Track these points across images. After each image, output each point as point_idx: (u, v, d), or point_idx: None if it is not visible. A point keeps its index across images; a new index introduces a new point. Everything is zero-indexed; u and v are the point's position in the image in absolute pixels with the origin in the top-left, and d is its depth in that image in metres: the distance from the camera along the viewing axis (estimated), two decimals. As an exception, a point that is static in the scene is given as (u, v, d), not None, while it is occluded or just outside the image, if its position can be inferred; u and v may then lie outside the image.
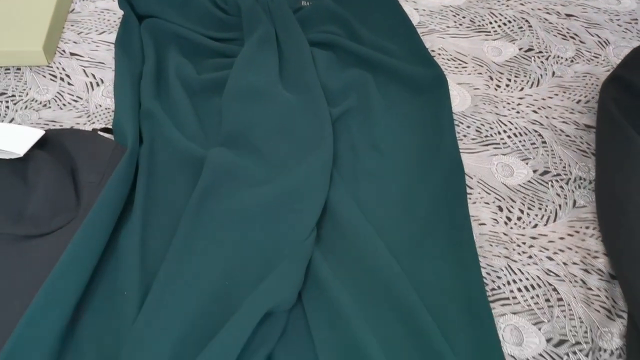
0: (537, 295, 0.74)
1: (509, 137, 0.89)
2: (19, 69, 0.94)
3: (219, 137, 0.86)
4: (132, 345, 0.65)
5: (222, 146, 0.84)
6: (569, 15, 1.04)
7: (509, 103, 0.93)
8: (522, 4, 1.05)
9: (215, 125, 0.88)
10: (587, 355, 0.69)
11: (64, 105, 0.90)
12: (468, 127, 0.90)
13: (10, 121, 0.87)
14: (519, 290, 0.74)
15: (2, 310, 0.69)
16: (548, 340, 0.70)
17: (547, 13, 1.04)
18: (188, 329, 0.67)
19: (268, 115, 0.87)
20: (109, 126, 0.88)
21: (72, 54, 0.96)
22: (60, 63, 0.95)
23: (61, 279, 0.68)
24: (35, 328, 0.65)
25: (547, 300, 0.73)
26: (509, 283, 0.75)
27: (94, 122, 0.89)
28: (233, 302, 0.70)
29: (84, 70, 0.94)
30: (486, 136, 0.89)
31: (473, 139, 0.89)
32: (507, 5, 1.04)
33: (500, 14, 1.04)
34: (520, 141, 0.89)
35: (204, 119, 0.90)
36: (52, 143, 0.82)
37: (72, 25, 1.00)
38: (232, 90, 0.89)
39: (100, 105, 0.91)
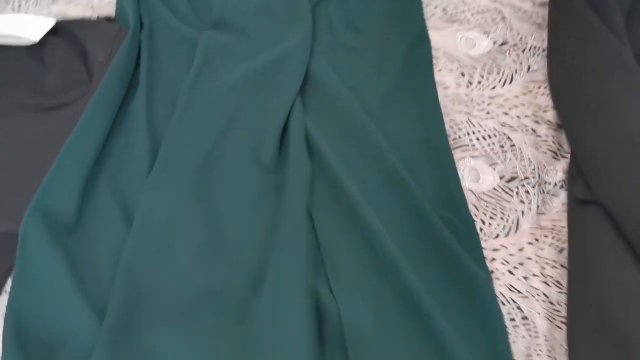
0: (493, 143, 0.83)
1: (472, 14, 0.97)
2: (26, -29, 1.01)
3: (210, 21, 0.94)
4: (148, 193, 0.75)
5: (212, 27, 0.92)
6: None
7: (473, -14, 1.01)
8: None
9: (205, 11, 0.96)
10: (533, 187, 0.79)
11: (71, 1, 0.98)
12: (435, 7, 0.98)
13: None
14: (477, 139, 0.83)
15: (30, 169, 0.78)
16: (501, 177, 0.80)
17: None
18: (192, 176, 0.77)
19: None
20: (112, 16, 0.96)
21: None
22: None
23: (81, 136, 0.77)
24: (61, 176, 0.74)
25: (502, 146, 0.83)
26: (468, 134, 0.84)
27: (98, 15, 0.96)
28: (227, 155, 0.80)
29: (86, -30, 1.01)
30: (451, 14, 0.97)
31: (439, 17, 0.97)
32: None
33: None
34: (482, 18, 0.96)
35: (196, 5, 0.97)
36: (62, 30, 0.89)
37: None
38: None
39: None
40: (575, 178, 0.77)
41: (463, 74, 0.90)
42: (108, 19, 0.93)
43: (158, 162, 0.77)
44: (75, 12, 0.96)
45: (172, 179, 0.76)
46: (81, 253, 0.71)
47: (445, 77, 0.90)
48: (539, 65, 0.91)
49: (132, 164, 0.79)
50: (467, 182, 0.79)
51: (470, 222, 0.74)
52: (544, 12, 0.96)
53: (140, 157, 0.79)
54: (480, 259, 0.72)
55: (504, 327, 0.67)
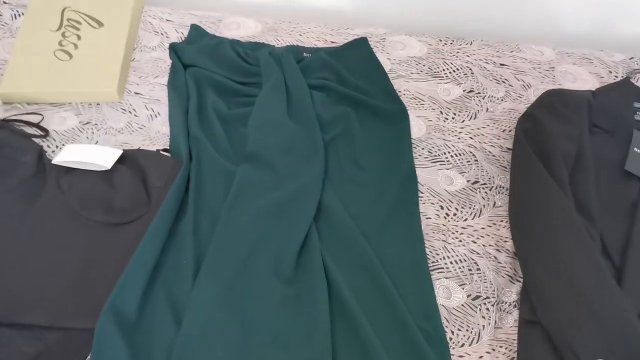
0: (463, 267, 1.04)
1: (451, 156, 1.19)
2: (98, 104, 1.24)
3: (244, 155, 1.16)
4: (193, 300, 0.95)
5: (246, 162, 1.15)
6: (502, 65, 1.34)
7: (453, 131, 1.23)
8: (467, 56, 1.35)
9: (241, 147, 1.18)
10: (493, 305, 0.99)
11: (133, 131, 1.20)
12: (422, 149, 1.20)
13: (96, 143, 1.17)
14: (451, 263, 1.04)
15: (104, 275, 0.98)
16: (468, 296, 1.00)
17: (486, 62, 1.34)
18: (227, 285, 0.97)
19: (279, 139, 1.18)
20: (167, 147, 1.18)
21: (135, 93, 1.26)
22: (128, 100, 1.25)
23: (145, 249, 0.97)
24: (130, 283, 0.95)
25: (470, 269, 1.03)
26: (444, 258, 1.05)
27: (155, 144, 1.18)
28: (256, 269, 1.00)
29: (145, 106, 1.24)
30: (435, 155, 1.19)
31: (425, 158, 1.19)
32: (457, 57, 1.34)
33: (451, 63, 1.34)
34: (460, 160, 1.19)
35: (234, 142, 1.20)
36: (128, 159, 1.11)
37: (134, 71, 1.30)
38: (254, 121, 1.19)
39: (159, 132, 1.21)
40: (525, 301, 0.97)
41: (442, 207, 1.12)
42: (164, 150, 1.16)
43: (201, 273, 0.98)
44: (136, 140, 1.18)
45: (211, 288, 0.96)
46: (142, 347, 0.91)
47: (427, 209, 1.11)
48: (502, 202, 1.12)
49: (180, 273, 1.00)
50: (440, 299, 0.99)
51: (442, 334, 0.94)
52: (509, 157, 1.19)
53: (186, 268, 0.99)
54: None
55: None
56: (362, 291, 0.98)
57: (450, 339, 0.95)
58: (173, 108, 1.22)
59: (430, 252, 1.05)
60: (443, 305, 0.99)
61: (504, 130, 1.23)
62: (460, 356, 0.93)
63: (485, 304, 0.99)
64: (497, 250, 1.06)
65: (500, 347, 0.94)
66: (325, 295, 0.96)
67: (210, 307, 0.94)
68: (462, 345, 0.95)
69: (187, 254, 1.01)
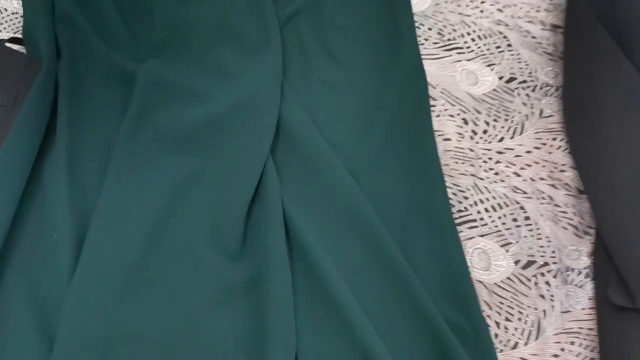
0: (505, 215, 0.66)
1: (473, 39, 0.77)
2: None
3: (150, 43, 0.70)
4: (72, 302, 0.54)
5: (154, 54, 0.68)
6: None
7: (472, 1, 0.80)
8: None
9: (145, 29, 0.71)
10: (555, 275, 0.63)
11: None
12: (429, 29, 0.77)
13: None
14: (487, 210, 0.66)
15: None
16: (516, 262, 0.63)
17: None
18: (130, 275, 0.56)
19: (206, 13, 0.71)
20: (19, 35, 0.70)
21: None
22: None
23: None
24: None
25: (515, 219, 0.65)
26: (476, 203, 0.66)
27: (-2, 34, 0.70)
28: (178, 242, 0.59)
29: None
30: (449, 39, 0.76)
31: (435, 43, 0.76)
32: None
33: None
34: (486, 45, 0.76)
35: (132, 21, 0.72)
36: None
37: None
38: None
39: (6, 10, 0.72)
40: (606, 270, 0.61)
41: (466, 121, 0.71)
42: (13, 40, 0.67)
43: (84, 258, 0.56)
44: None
45: (102, 282, 0.55)
46: None
47: (445, 126, 0.70)
48: (552, 109, 0.72)
49: (48, 255, 0.57)
50: (475, 271, 0.62)
51: (484, 330, 0.58)
52: (555, 39, 0.77)
53: (59, 246, 0.57)
54: None
55: None
56: (353, 264, 0.60)
57: (496, 335, 0.59)
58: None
59: (455, 195, 0.66)
60: (480, 281, 0.62)
61: (545, -4, 0.80)
62: (514, 364, 0.58)
63: (543, 274, 0.62)
64: (552, 185, 0.68)
65: (572, 343, 0.59)
66: (287, 280, 0.57)
67: (96, 326, 0.54)
68: (515, 345, 0.59)
69: (59, 222, 0.58)
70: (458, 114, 0.71)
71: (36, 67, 0.64)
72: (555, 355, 0.58)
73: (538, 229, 0.65)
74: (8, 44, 0.67)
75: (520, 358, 0.58)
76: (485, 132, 0.70)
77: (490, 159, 0.69)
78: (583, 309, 0.61)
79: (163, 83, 0.66)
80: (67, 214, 0.58)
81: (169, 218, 0.59)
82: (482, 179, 0.67)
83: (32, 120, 0.61)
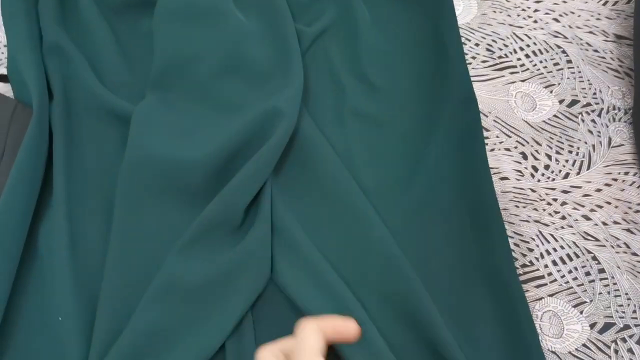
0: (576, 268, 0.56)
1: (526, 55, 0.66)
2: None
3: (149, 76, 0.59)
4: None
5: (152, 89, 0.58)
6: None
7: (522, 8, 0.69)
8: None
9: (146, 60, 0.61)
10: (638, 342, 0.53)
11: None
12: (476, 44, 0.66)
13: None
14: (555, 264, 0.56)
15: None
16: (592, 326, 0.54)
17: None
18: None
19: (215, 43, 0.60)
20: (2, 70, 0.59)
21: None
22: None
23: None
24: None
25: (588, 273, 0.56)
26: (541, 256, 0.56)
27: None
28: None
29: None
30: (499, 56, 0.66)
31: (483, 62, 0.65)
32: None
33: None
34: (541, 61, 0.66)
35: (131, 51, 0.61)
36: None
37: None
38: (167, 7, 0.61)
39: (-11, 39, 0.61)
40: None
41: (525, 156, 0.61)
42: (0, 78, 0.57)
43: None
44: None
45: None
46: None
47: (501, 162, 0.60)
48: (622, 137, 0.62)
49: (54, 343, 0.48)
50: (546, 339, 0.53)
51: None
52: (620, 52, 0.66)
53: (66, 333, 0.47)
54: None
55: None
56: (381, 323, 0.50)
57: None
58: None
59: (517, 246, 0.56)
60: (553, 352, 0.52)
61: (605, 2, 0.69)
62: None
63: (624, 339, 0.53)
64: (628, 230, 0.58)
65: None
66: None
67: None
68: None
69: (63, 300, 0.49)
70: (515, 147, 0.61)
71: (25, 113, 0.53)
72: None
73: (615, 283, 0.55)
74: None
75: None
76: (547, 167, 0.60)
77: (555, 200, 0.59)
78: (672, 380, 0.52)
79: (160, 123, 0.56)
80: (69, 289, 0.49)
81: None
82: (547, 224, 0.57)
83: (26, 176, 0.51)
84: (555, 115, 0.63)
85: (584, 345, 0.53)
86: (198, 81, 0.59)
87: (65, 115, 0.55)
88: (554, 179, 0.60)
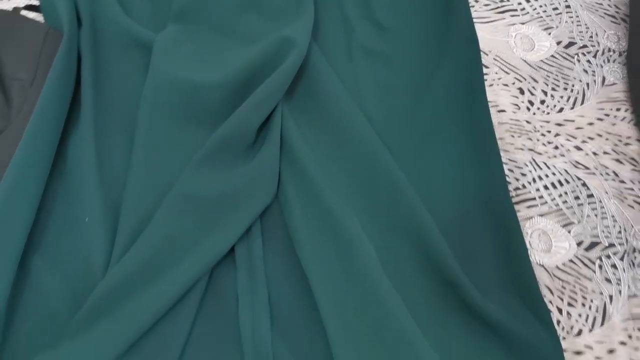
0: (566, 193, 0.60)
1: (527, 1, 0.70)
2: None
3: (170, 10, 0.64)
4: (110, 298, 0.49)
5: (176, 21, 0.63)
6: None
7: (525, -42, 0.72)
8: None
9: (167, 5, 0.65)
10: (622, 258, 0.57)
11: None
12: (480, -10, 0.70)
13: None
14: (546, 187, 0.60)
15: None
16: (579, 244, 0.58)
17: None
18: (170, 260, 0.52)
19: None
20: (34, 1, 0.64)
21: None
22: None
23: (6, 207, 0.50)
24: None
25: (577, 197, 0.60)
26: (534, 180, 0.60)
27: (14, 6, 0.64)
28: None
29: None
30: (504, 9, 0.69)
31: (486, 5, 0.69)
32: None
33: None
34: (542, 6, 0.69)
35: None
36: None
37: None
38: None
39: (25, -25, 0.66)
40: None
41: (522, 91, 0.64)
42: (29, 8, 0.62)
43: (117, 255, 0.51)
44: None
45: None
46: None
47: (499, 96, 0.64)
48: (615, 76, 0.66)
49: (80, 242, 0.53)
50: (535, 253, 0.57)
51: (546, 316, 0.52)
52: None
53: (91, 233, 0.52)
54: None
55: None
56: (387, 244, 0.54)
57: (558, 322, 0.54)
58: None
59: (512, 171, 0.60)
60: (541, 265, 0.56)
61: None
62: (578, 352, 0.53)
63: (608, 256, 0.57)
64: (617, 160, 0.61)
65: (640, 330, 0.54)
66: None
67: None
68: (579, 332, 0.54)
69: (88, 205, 0.54)
70: (513, 83, 0.64)
71: (56, 37, 0.58)
72: (622, 343, 0.53)
73: (602, 207, 0.59)
74: (25, 12, 0.62)
75: (585, 345, 0.53)
76: (543, 102, 0.64)
77: (549, 131, 0.62)
78: (652, 293, 0.56)
79: (181, 51, 0.60)
80: (96, 195, 0.54)
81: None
82: (540, 153, 0.61)
83: (57, 95, 0.56)
84: (552, 55, 0.66)
85: (571, 260, 0.57)
86: (217, 16, 0.63)
87: (92, 39, 0.59)
88: (548, 113, 0.63)
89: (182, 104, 0.58)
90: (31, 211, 0.51)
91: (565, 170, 0.60)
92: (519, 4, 0.69)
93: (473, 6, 0.68)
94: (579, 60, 0.66)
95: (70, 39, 0.57)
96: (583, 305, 0.55)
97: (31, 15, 0.62)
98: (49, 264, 0.52)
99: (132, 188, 0.54)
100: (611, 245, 0.57)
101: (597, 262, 0.56)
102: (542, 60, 0.66)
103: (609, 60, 0.66)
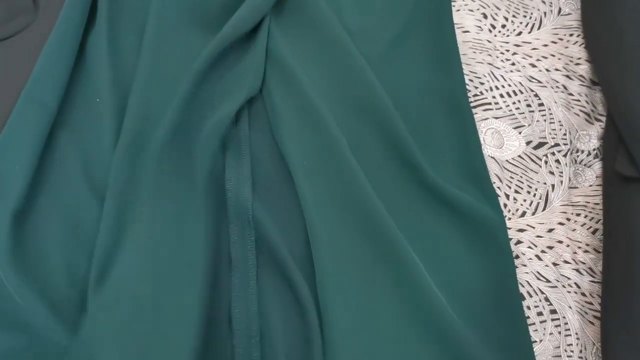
0: (519, 101, 0.67)
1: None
2: None
3: None
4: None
5: None
6: None
7: None
8: None
9: None
10: (565, 156, 0.64)
11: None
12: None
13: None
14: (501, 96, 0.67)
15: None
16: (528, 143, 0.64)
17: None
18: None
19: None
20: None
21: None
22: None
23: (40, 83, 0.58)
24: (16, 139, 0.56)
25: (529, 105, 0.67)
26: (491, 89, 0.67)
27: None
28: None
29: None
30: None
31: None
32: None
33: None
34: (507, -53, 0.77)
35: None
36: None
37: None
38: None
39: None
40: (615, 147, 0.62)
41: (485, 16, 0.72)
42: None
43: (124, 132, 0.58)
44: None
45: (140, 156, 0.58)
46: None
47: (464, 19, 0.71)
48: (571, 7, 0.73)
49: (96, 121, 0.61)
50: (488, 148, 0.64)
51: (493, 198, 0.59)
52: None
53: (105, 114, 0.60)
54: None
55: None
56: (359, 137, 0.61)
57: (505, 205, 0.61)
58: None
59: (471, 81, 0.67)
60: (492, 157, 0.63)
61: None
62: (521, 230, 0.60)
63: (553, 153, 0.64)
64: (567, 76, 0.68)
65: (578, 215, 0.61)
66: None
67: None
68: (523, 214, 0.60)
69: (101, 88, 0.62)
70: (478, 9, 0.72)
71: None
72: (561, 223, 0.60)
73: (551, 114, 0.66)
74: None
75: (527, 225, 0.60)
76: (503, 26, 0.71)
77: (508, 50, 0.69)
78: (590, 185, 0.62)
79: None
80: (108, 82, 0.62)
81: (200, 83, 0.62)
82: (498, 67, 0.68)
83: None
84: (514, -11, 0.73)
85: (519, 156, 0.63)
86: None
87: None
88: (508, 35, 0.70)
89: (187, 9, 0.66)
90: (60, 90, 0.59)
91: (520, 83, 0.67)
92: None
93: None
94: (538, -7, 0.73)
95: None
96: (528, 192, 0.61)
97: None
98: (70, 138, 0.60)
99: (141, 77, 0.62)
100: (556, 145, 0.64)
101: (544, 158, 0.63)
102: (505, -8, 0.73)
103: (565, -6, 0.73)
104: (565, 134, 0.64)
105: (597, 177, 0.62)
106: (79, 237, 0.55)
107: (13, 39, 0.62)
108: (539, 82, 0.67)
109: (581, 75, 0.68)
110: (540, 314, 0.55)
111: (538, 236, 0.59)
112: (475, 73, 0.67)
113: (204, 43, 0.64)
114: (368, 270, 0.54)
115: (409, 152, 0.59)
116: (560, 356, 0.54)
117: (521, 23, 0.71)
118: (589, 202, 0.61)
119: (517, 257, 0.58)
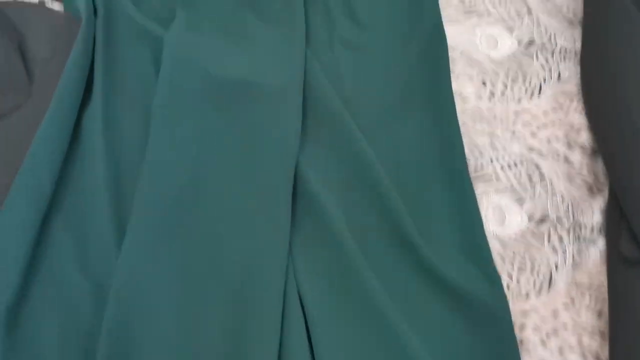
0: (520, 173, 0.65)
1: (492, 5, 0.76)
2: None
3: (174, 4, 0.71)
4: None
5: (179, 14, 0.70)
6: None
7: (493, -32, 0.79)
8: None
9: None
10: (568, 231, 0.62)
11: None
12: None
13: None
14: (502, 168, 0.66)
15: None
16: (530, 218, 0.63)
17: None
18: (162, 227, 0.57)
19: None
20: (58, -1, 0.71)
21: None
22: None
23: (34, 167, 0.57)
24: (9, 225, 0.55)
25: (530, 177, 0.65)
26: (492, 161, 0.66)
27: (39, -6, 0.72)
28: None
29: None
30: (472, 11, 0.76)
31: (456, 7, 0.75)
32: None
33: None
34: (506, 10, 0.76)
35: None
36: (-8, 16, 0.66)
37: None
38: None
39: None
40: (617, 224, 0.61)
41: (484, 83, 0.70)
42: None
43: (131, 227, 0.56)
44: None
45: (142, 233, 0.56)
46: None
47: (463, 86, 0.70)
48: (570, 72, 0.72)
49: (90, 205, 0.59)
50: (489, 224, 0.62)
51: (496, 280, 0.57)
52: (575, 6, 0.76)
53: (98, 196, 0.59)
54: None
55: None
56: (365, 226, 0.60)
57: (508, 286, 0.59)
58: None
59: (471, 152, 0.66)
60: (494, 235, 0.62)
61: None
62: (524, 312, 0.58)
63: (556, 228, 0.62)
64: (568, 146, 0.67)
65: (583, 294, 0.59)
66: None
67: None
68: (527, 295, 0.59)
69: (96, 172, 0.60)
70: (478, 75, 0.71)
71: (75, 24, 0.65)
72: (565, 303, 0.58)
73: (553, 187, 0.64)
74: (49, 5, 0.69)
75: (531, 306, 0.58)
76: (503, 93, 0.70)
77: (508, 118, 0.68)
78: (594, 264, 0.61)
79: (191, 43, 0.66)
80: (102, 166, 0.60)
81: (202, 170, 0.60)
82: (498, 136, 0.67)
83: (77, 73, 0.63)
84: (513, 53, 0.72)
85: (522, 232, 0.62)
86: (216, 10, 0.70)
87: (105, 30, 0.66)
88: (508, 103, 0.69)
89: (190, 90, 0.64)
90: (54, 173, 0.58)
91: (521, 154, 0.66)
92: (486, 8, 0.75)
93: (444, 9, 0.74)
94: (537, 58, 0.72)
95: (87, 26, 0.64)
96: (532, 271, 0.60)
97: (54, 5, 0.69)
98: (64, 222, 0.58)
99: (153, 153, 0.59)
100: (559, 219, 0.62)
101: (546, 234, 0.62)
102: (504, 57, 0.72)
103: (565, 59, 0.72)
104: (567, 208, 0.63)
105: (600, 254, 0.61)
106: (74, 327, 0.54)
107: (6, 118, 0.60)
108: (540, 152, 0.66)
109: (582, 145, 0.67)
110: (546, 404, 0.53)
111: (542, 319, 0.57)
112: (476, 143, 0.66)
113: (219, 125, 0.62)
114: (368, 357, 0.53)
115: (407, 231, 0.58)
116: None
117: (520, 89, 0.70)
118: (594, 283, 0.59)
119: (521, 341, 0.56)
